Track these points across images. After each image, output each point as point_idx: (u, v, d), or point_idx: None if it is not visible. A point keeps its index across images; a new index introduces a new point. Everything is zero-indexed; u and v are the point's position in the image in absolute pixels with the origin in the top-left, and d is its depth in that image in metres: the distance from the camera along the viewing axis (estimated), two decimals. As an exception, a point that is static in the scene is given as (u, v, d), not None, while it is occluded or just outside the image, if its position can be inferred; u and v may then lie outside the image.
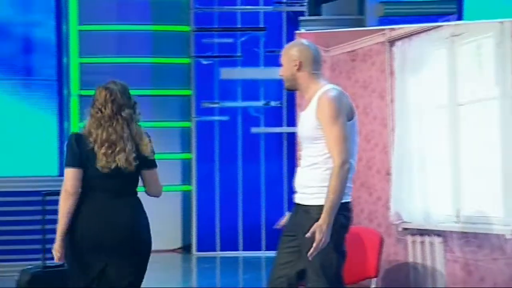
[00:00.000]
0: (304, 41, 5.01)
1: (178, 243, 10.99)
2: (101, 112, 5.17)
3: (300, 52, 4.87)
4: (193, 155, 10.82)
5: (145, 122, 11.29)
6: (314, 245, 4.57)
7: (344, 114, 4.74)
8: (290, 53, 4.88)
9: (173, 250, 10.93)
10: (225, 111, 10.80)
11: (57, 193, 5.36)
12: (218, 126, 10.81)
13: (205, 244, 10.68)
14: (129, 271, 5.16)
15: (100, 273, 5.14)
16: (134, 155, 5.15)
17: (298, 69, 4.85)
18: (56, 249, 5.03)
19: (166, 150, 10.94)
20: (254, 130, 10.74)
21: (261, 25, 10.81)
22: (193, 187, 10.80)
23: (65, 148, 5.22)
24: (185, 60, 10.88)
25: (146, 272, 8.71)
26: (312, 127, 4.76)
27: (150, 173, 5.35)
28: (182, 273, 10.28)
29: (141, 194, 5.21)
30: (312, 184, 4.75)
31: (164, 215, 10.97)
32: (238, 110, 10.82)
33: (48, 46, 9.76)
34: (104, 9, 10.79)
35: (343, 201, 4.73)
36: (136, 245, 5.15)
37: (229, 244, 10.69)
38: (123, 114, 5.22)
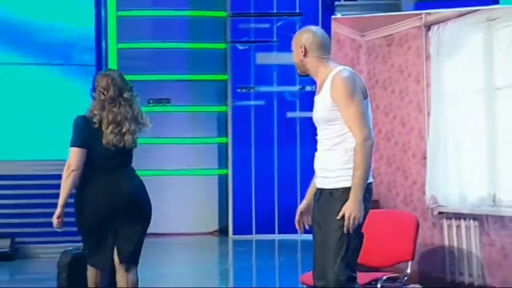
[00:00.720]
0: (312, 27, 4.96)
1: (215, 226, 11.04)
2: (104, 95, 5.65)
3: (306, 38, 4.84)
4: (229, 139, 10.85)
5: (182, 107, 11.46)
6: (345, 223, 4.56)
7: (359, 92, 4.73)
8: (297, 39, 4.88)
9: (210, 233, 10.98)
10: (260, 96, 10.81)
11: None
12: (253, 110, 10.82)
13: (241, 227, 10.71)
14: (136, 230, 5.70)
15: (112, 241, 5.70)
16: (137, 134, 5.69)
17: (305, 55, 4.84)
18: (56, 218, 5.57)
19: (203, 135, 10.99)
20: (289, 114, 10.75)
21: (297, 10, 10.80)
22: (229, 171, 10.83)
23: (72, 129, 5.66)
24: (221, 46, 10.90)
25: (184, 254, 8.89)
26: (327, 109, 4.73)
27: None
28: (218, 255, 10.34)
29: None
30: (333, 167, 4.72)
31: (201, 199, 11.04)
32: (274, 94, 10.82)
33: (87, 32, 9.80)
34: (142, -6, 10.87)
35: (369, 181, 4.70)
36: (138, 208, 5.69)
37: (265, 227, 10.72)
38: (125, 95, 5.70)
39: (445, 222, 5.81)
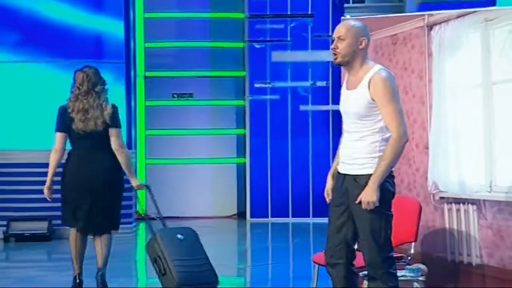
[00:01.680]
0: (361, 22, 4.82)
1: (234, 210, 11.05)
2: (79, 89, 6.40)
3: (367, 33, 4.73)
4: (246, 131, 10.86)
5: (203, 101, 11.48)
6: (364, 206, 4.57)
7: (397, 92, 4.69)
8: (358, 31, 4.70)
9: (230, 217, 10.99)
10: (276, 91, 10.81)
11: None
12: (269, 104, 10.82)
13: (258, 211, 10.73)
14: (108, 204, 6.41)
15: (88, 212, 6.38)
16: (101, 119, 6.30)
17: (362, 48, 4.71)
18: (46, 188, 6.38)
19: (222, 126, 11.00)
20: (302, 108, 10.75)
21: (309, 12, 10.78)
22: (246, 160, 10.84)
23: (55, 118, 6.43)
24: (240, 44, 10.90)
25: (206, 235, 8.86)
26: (364, 105, 4.66)
27: (113, 130, 6.34)
28: (237, 237, 10.35)
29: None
30: (360, 155, 4.69)
31: (221, 185, 11.06)
32: (288, 89, 10.81)
33: (117, 32, 9.81)
34: (166, -2, 10.87)
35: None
36: (107, 186, 6.37)
37: (280, 211, 10.73)
38: (96, 89, 6.40)
39: (445, 206, 5.79)
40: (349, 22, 4.79)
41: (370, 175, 4.63)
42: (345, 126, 4.82)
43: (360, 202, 4.61)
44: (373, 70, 4.68)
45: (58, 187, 6.53)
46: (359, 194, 4.62)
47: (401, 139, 4.59)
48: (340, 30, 4.73)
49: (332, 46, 4.75)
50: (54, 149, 6.40)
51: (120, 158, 6.34)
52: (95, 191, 6.34)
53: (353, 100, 4.72)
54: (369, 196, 4.58)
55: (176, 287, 6.09)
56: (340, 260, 4.80)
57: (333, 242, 4.81)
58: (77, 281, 6.46)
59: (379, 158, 4.62)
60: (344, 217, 4.79)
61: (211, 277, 6.30)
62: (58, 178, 6.51)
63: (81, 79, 6.42)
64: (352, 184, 4.71)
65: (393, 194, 4.71)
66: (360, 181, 4.65)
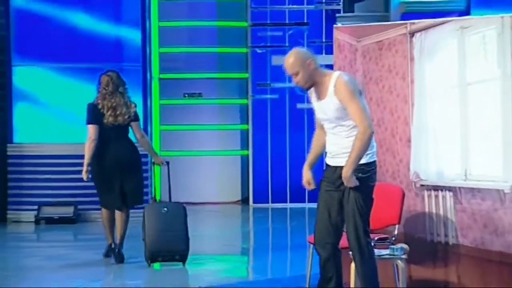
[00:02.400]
0: (295, 48, 4.84)
1: (238, 197, 11.06)
2: (105, 89, 6.89)
3: (304, 55, 4.72)
4: (249, 126, 10.86)
5: (211, 100, 11.47)
6: (345, 182, 4.75)
7: (357, 91, 4.76)
8: (297, 61, 4.68)
9: (235, 202, 11.00)
10: (275, 91, 10.81)
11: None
12: (269, 103, 10.83)
13: (260, 197, 10.74)
14: (135, 181, 6.96)
15: (120, 190, 6.89)
16: (127, 115, 6.87)
17: (313, 67, 4.71)
18: (84, 173, 6.86)
19: (228, 122, 11.00)
20: (299, 106, 10.74)
21: (305, 21, 10.78)
22: (249, 152, 10.85)
23: (86, 112, 6.92)
24: (243, 50, 10.90)
25: (213, 219, 8.97)
26: (337, 109, 4.74)
27: (134, 123, 6.96)
28: (241, 220, 10.36)
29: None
30: (346, 151, 4.80)
31: (227, 175, 11.07)
32: (286, 90, 10.81)
33: (135, 39, 9.82)
34: (179, 8, 10.84)
35: (372, 160, 4.85)
36: (133, 166, 6.94)
37: (279, 197, 10.73)
38: (120, 90, 6.92)
39: (425, 193, 5.79)
40: (290, 58, 4.74)
41: (360, 164, 4.71)
42: (329, 129, 4.89)
43: (357, 187, 4.78)
44: (334, 78, 4.74)
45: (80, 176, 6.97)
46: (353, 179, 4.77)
47: (366, 131, 4.69)
48: (288, 68, 4.74)
49: (293, 81, 4.83)
50: (90, 139, 6.85)
51: (145, 143, 7.12)
52: (124, 170, 6.88)
53: (328, 109, 4.79)
54: (345, 173, 4.73)
55: (147, 251, 6.83)
56: (328, 240, 4.84)
57: (323, 224, 4.86)
58: (113, 246, 7.00)
59: (352, 150, 4.76)
60: (335, 201, 4.85)
61: (181, 246, 6.85)
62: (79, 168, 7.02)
63: (106, 81, 6.91)
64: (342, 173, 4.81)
65: (375, 181, 4.91)
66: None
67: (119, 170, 6.89)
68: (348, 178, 4.75)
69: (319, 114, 4.93)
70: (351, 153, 4.73)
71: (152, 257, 6.82)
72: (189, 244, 6.86)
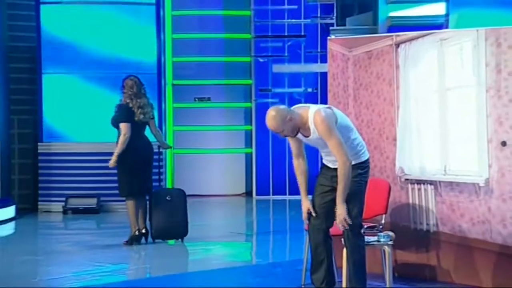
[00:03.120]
0: (270, 109, 4.71)
1: (242, 190, 11.08)
2: (131, 91, 7.07)
3: (283, 113, 4.60)
4: (253, 127, 10.87)
5: (219, 103, 11.47)
6: (338, 222, 4.74)
7: (333, 124, 4.66)
8: (279, 120, 4.58)
9: (239, 195, 11.02)
10: (275, 95, 10.81)
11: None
12: (270, 106, 10.80)
13: (262, 190, 10.75)
14: (151, 171, 7.17)
15: (144, 179, 7.04)
16: (151, 113, 7.14)
17: (293, 119, 4.61)
18: (114, 162, 6.98)
19: (234, 123, 11.02)
20: (297, 109, 10.73)
21: (302, 33, 10.79)
22: (253, 150, 10.86)
23: (118, 112, 7.04)
24: (247, 59, 10.91)
25: (220, 209, 8.97)
26: (324, 142, 4.69)
27: (152, 121, 7.21)
28: (245, 211, 10.37)
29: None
30: None
31: (232, 170, 11.08)
32: (285, 94, 10.82)
33: (151, 49, 9.82)
34: (190, 22, 10.86)
35: (367, 157, 4.89)
36: (152, 158, 7.16)
37: (279, 190, 10.74)
38: (142, 91, 7.14)
39: (409, 186, 5.78)
40: (272, 121, 4.63)
41: (359, 162, 4.80)
42: (324, 153, 4.87)
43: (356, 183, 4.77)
44: (311, 117, 4.66)
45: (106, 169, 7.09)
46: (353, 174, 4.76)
47: (345, 164, 4.65)
48: (273, 129, 4.66)
49: (281, 137, 4.77)
50: (126, 135, 6.96)
51: (159, 136, 7.37)
52: (146, 162, 7.09)
53: (317, 143, 4.76)
54: (340, 214, 4.72)
55: (153, 230, 7.15)
56: (320, 226, 4.85)
57: (317, 212, 4.86)
58: (137, 233, 7.10)
59: (354, 150, 4.76)
60: (329, 195, 4.86)
61: (181, 232, 7.21)
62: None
63: (131, 84, 7.10)
64: None
65: (367, 180, 4.91)
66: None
67: (145, 162, 7.07)
68: (342, 212, 4.71)
69: (312, 145, 4.86)
70: (339, 187, 4.68)
71: (156, 236, 7.20)
72: (188, 227, 7.24)
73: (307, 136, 4.76)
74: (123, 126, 6.97)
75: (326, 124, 4.64)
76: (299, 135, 4.79)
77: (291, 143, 4.87)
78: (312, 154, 5.16)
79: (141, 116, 7.05)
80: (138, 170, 7.04)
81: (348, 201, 4.77)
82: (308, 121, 4.67)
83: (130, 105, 7.03)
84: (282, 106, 4.77)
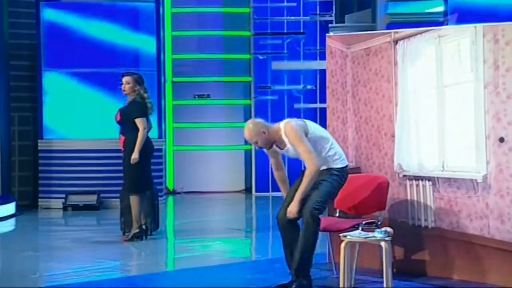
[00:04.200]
0: (248, 122, 5.16)
1: (242, 186, 11.08)
2: (140, 86, 7.02)
3: (257, 125, 5.04)
4: (252, 124, 10.84)
5: (218, 100, 11.47)
6: (289, 211, 5.06)
7: (302, 132, 5.04)
8: (254, 132, 5.01)
9: (239, 191, 11.02)
10: (275, 93, 10.82)
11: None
12: (270, 103, 10.83)
13: (261, 187, 10.75)
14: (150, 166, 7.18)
15: (148, 172, 7.10)
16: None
17: (266, 132, 5.02)
18: (135, 157, 6.87)
19: (233, 120, 11.01)
20: (296, 106, 10.76)
21: (301, 31, 10.78)
22: (252, 147, 10.84)
23: (135, 108, 6.95)
24: (247, 56, 10.91)
25: (220, 206, 9.00)
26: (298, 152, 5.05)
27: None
28: (245, 207, 10.38)
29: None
30: (327, 166, 5.17)
31: (232, 167, 11.08)
32: (285, 91, 10.82)
33: (150, 46, 9.82)
34: (189, 20, 10.85)
35: (345, 164, 5.19)
36: (153, 151, 7.23)
37: (278, 187, 10.70)
38: (145, 87, 7.10)
39: (408, 182, 5.79)
40: (247, 132, 5.06)
41: (338, 168, 5.13)
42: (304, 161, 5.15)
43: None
44: (282, 130, 5.06)
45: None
46: (329, 174, 5.10)
47: (312, 169, 5.02)
48: (248, 139, 5.11)
49: (257, 148, 5.21)
50: (145, 130, 6.93)
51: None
52: (151, 157, 7.13)
53: (294, 153, 5.11)
54: (292, 208, 5.04)
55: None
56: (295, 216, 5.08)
57: (287, 203, 5.14)
58: (145, 226, 7.11)
59: (329, 158, 5.10)
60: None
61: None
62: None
63: (143, 79, 7.09)
64: (326, 172, 5.16)
65: (343, 184, 5.20)
66: (332, 170, 5.15)
67: (150, 158, 7.12)
68: (294, 206, 5.02)
69: (288, 154, 5.18)
70: (301, 185, 5.03)
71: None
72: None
73: (283, 149, 5.11)
74: (141, 121, 6.92)
75: (295, 132, 5.01)
76: (277, 148, 5.15)
77: (270, 157, 5.27)
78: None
79: (151, 111, 7.08)
80: (146, 166, 7.02)
81: (314, 191, 5.03)
82: (280, 132, 5.05)
83: (146, 100, 7.01)
84: (259, 120, 5.17)
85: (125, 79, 7.09)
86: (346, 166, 5.20)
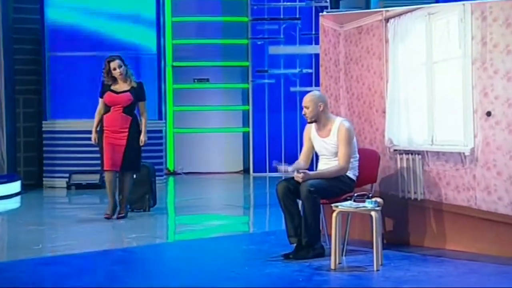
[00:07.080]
0: (315, 91, 5.43)
1: (240, 167, 11.08)
2: (125, 65, 6.99)
3: (322, 99, 5.27)
4: (250, 107, 10.87)
5: (217, 84, 11.45)
6: (300, 176, 5.17)
7: (354, 136, 5.29)
8: (316, 99, 5.24)
9: (237, 172, 11.03)
10: (272, 76, 10.81)
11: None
12: (267, 86, 10.83)
13: (259, 167, 10.76)
14: None
15: None
16: None
17: (322, 110, 5.24)
18: (144, 139, 6.96)
19: (232, 104, 11.01)
20: (292, 89, 10.75)
21: (297, 16, 10.76)
22: (250, 129, 10.87)
23: (143, 91, 7.01)
24: (245, 41, 10.89)
25: (220, 185, 8.98)
26: (335, 146, 5.24)
27: None
28: (243, 187, 10.39)
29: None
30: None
31: (231, 149, 11.08)
32: (281, 75, 10.82)
33: (151, 32, 9.80)
34: (189, 5, 10.84)
35: (354, 178, 5.35)
36: None
37: (274, 168, 10.72)
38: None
39: (398, 157, 5.81)
40: (309, 97, 5.30)
41: (347, 176, 5.31)
42: (324, 160, 5.34)
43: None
44: (338, 122, 5.26)
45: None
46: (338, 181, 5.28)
47: (342, 169, 5.24)
48: (305, 101, 5.30)
49: (303, 112, 5.34)
50: (146, 112, 7.02)
51: None
52: None
53: (327, 144, 5.27)
54: (304, 174, 5.17)
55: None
56: (288, 186, 5.32)
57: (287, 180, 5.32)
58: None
59: (350, 165, 5.28)
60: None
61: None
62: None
63: (122, 61, 7.01)
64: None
65: (344, 191, 5.30)
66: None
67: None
68: (302, 177, 5.13)
69: (319, 149, 5.34)
70: (324, 170, 5.21)
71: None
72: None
73: (323, 137, 5.25)
74: (144, 104, 7.00)
75: (349, 133, 5.24)
76: (314, 132, 5.29)
77: (304, 146, 5.44)
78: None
79: None
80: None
81: (317, 181, 5.15)
82: (332, 123, 5.22)
83: (133, 79, 7.06)
84: (325, 96, 5.42)
85: (117, 63, 6.93)
86: (355, 181, 5.36)
